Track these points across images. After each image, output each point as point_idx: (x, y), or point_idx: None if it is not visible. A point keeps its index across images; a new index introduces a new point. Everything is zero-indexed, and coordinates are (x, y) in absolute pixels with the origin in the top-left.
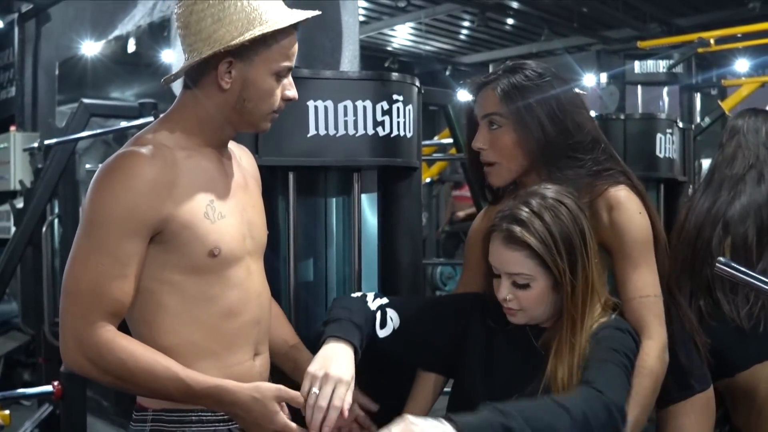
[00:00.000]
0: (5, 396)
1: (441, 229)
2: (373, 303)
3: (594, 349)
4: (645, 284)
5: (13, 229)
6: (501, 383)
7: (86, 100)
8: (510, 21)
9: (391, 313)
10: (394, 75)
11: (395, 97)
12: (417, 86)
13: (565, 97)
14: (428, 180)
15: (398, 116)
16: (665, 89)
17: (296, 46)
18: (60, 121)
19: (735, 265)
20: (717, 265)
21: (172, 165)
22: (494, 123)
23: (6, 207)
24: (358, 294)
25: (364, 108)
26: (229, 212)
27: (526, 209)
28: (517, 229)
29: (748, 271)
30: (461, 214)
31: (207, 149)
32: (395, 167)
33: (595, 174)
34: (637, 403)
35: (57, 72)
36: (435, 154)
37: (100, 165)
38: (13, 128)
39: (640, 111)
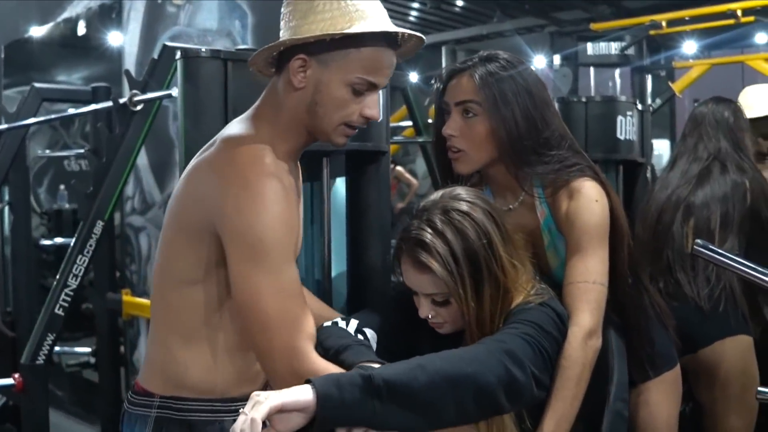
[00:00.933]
0: None
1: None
2: (351, 328)
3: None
4: (586, 270)
5: None
6: None
7: (38, 84)
8: (460, 2)
9: (367, 332)
10: None
11: None
12: None
13: (537, 92)
14: None
15: None
16: (617, 71)
17: (386, 63)
18: (6, 105)
19: (713, 247)
20: (695, 246)
21: (290, 179)
22: (469, 111)
23: None
24: (331, 323)
25: None
26: (297, 249)
27: (429, 230)
28: (423, 254)
29: (725, 252)
30: (400, 205)
31: (292, 157)
32: (364, 151)
33: (561, 169)
34: (559, 396)
35: (2, 55)
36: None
37: (227, 178)
38: None
39: (592, 93)
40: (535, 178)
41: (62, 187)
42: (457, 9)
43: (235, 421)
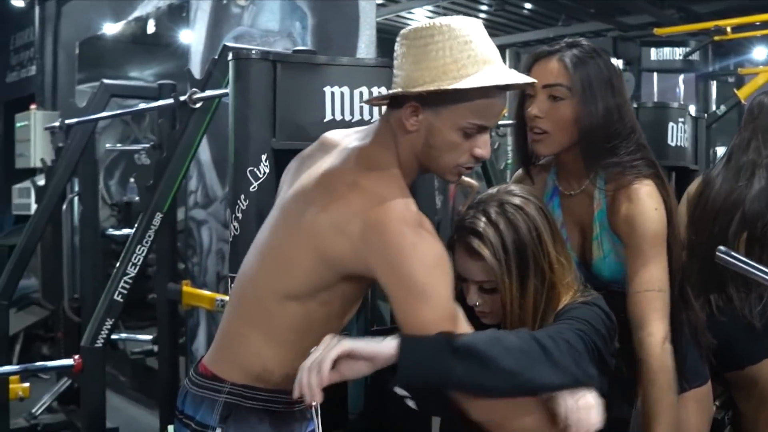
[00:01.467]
0: (27, 368)
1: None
2: None
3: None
4: (651, 278)
5: (34, 206)
6: None
7: (107, 81)
8: (528, 5)
9: None
10: None
11: None
12: None
13: (617, 83)
14: None
15: None
16: (681, 77)
17: (497, 108)
18: (79, 100)
19: (735, 254)
20: (717, 254)
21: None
22: (557, 94)
23: (27, 184)
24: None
25: (380, 93)
26: None
27: (483, 219)
28: (475, 241)
29: (747, 260)
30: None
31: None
32: None
33: (625, 163)
34: (659, 407)
35: (77, 51)
36: None
37: (382, 222)
38: (33, 107)
39: (655, 99)
40: (601, 169)
41: (132, 179)
42: (524, 11)
43: (297, 411)
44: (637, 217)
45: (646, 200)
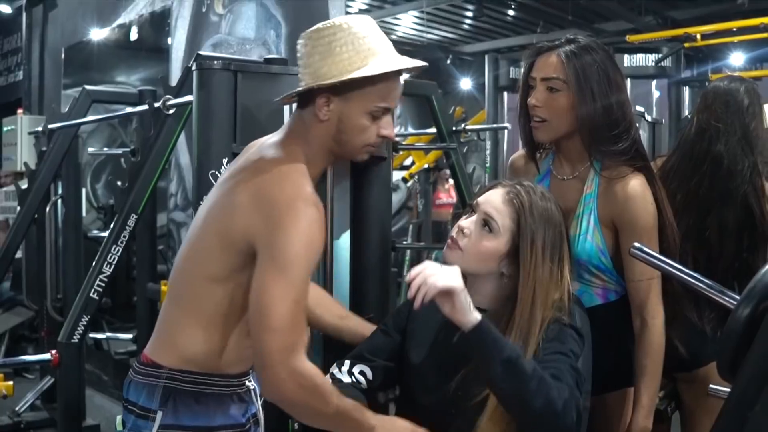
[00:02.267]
0: (6, 363)
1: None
2: (344, 370)
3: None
4: (647, 267)
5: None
6: (445, 357)
7: (88, 87)
8: (511, 12)
9: (357, 369)
10: None
11: None
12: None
13: (613, 76)
14: (425, 167)
15: None
16: (653, 83)
17: (398, 89)
18: (65, 105)
19: (647, 250)
20: (631, 249)
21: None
22: (554, 86)
23: (12, 188)
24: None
25: None
26: None
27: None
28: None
29: (660, 256)
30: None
31: (317, 178)
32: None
33: (624, 152)
34: (649, 375)
35: (63, 57)
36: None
37: (274, 202)
38: (20, 111)
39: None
40: (602, 157)
41: (119, 183)
42: (506, 18)
43: (234, 394)
44: (638, 212)
45: (644, 196)
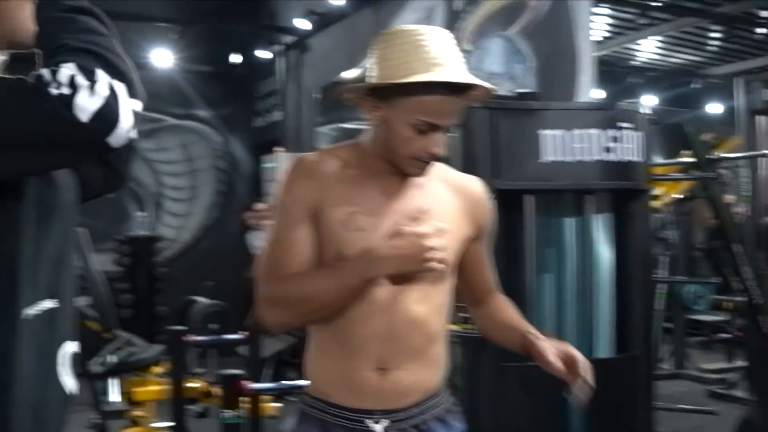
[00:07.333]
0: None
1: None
2: None
3: None
4: None
5: None
6: None
7: (342, 125)
8: (759, 30)
9: None
10: (623, 104)
11: (623, 124)
12: (646, 113)
13: None
14: (680, 196)
15: (627, 142)
16: None
17: (444, 108)
18: (320, 141)
19: None
20: None
21: (330, 172)
22: None
23: None
24: None
25: (595, 135)
26: (372, 227)
27: None
28: None
29: None
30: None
31: (384, 171)
32: (626, 190)
33: None
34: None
35: (318, 96)
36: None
37: None
38: (278, 149)
39: None
40: None
41: None
42: (755, 36)
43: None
44: None
45: None
